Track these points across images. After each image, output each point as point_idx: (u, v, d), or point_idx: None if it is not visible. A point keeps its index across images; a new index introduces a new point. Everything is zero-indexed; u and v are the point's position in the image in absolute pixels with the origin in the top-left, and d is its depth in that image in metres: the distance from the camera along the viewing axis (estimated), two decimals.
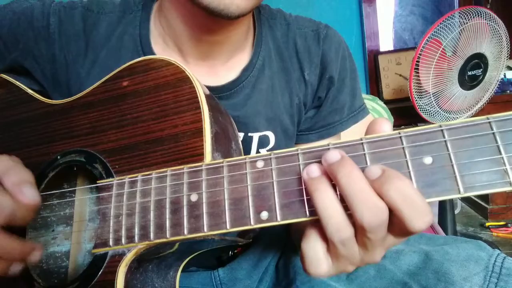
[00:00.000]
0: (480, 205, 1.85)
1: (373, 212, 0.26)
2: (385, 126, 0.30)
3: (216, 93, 0.54)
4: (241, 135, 0.56)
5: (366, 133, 0.31)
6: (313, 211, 0.29)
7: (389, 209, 0.27)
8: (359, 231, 0.28)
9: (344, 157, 0.28)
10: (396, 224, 0.27)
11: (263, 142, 0.59)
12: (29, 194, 0.35)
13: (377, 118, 0.31)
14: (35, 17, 0.53)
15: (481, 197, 1.84)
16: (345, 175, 0.27)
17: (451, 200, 1.48)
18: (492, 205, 1.76)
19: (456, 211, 1.82)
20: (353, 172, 0.27)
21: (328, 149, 0.30)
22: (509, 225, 1.65)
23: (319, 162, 0.30)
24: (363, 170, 0.28)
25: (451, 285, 0.43)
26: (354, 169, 0.27)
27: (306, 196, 0.30)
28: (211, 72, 0.56)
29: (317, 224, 0.30)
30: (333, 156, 0.28)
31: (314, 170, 0.29)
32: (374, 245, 0.29)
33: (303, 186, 0.30)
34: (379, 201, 0.26)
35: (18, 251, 0.35)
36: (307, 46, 0.59)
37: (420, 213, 0.26)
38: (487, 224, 1.70)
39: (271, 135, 0.59)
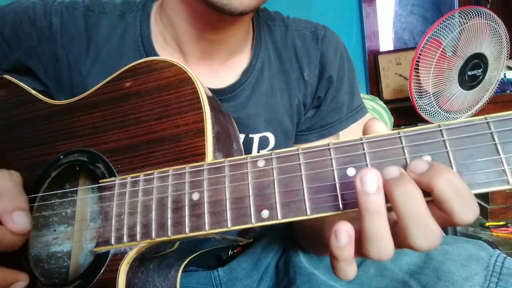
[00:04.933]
0: (480, 205, 1.85)
1: (427, 237, 0.25)
2: (379, 126, 0.30)
3: (216, 95, 0.54)
4: (242, 136, 0.57)
5: (363, 133, 0.31)
6: (313, 210, 0.30)
7: (437, 202, 0.26)
8: (404, 246, 0.27)
9: (403, 174, 0.26)
10: (442, 218, 0.26)
11: (263, 143, 0.59)
12: (20, 222, 0.34)
13: (372, 118, 0.31)
14: (38, 16, 0.53)
15: (481, 197, 1.84)
16: (403, 193, 0.25)
17: None
18: (492, 205, 1.76)
19: None
20: (412, 191, 0.25)
21: (328, 148, 0.31)
22: (509, 225, 1.65)
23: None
24: (405, 166, 0.26)
25: (452, 285, 0.43)
26: (411, 185, 0.25)
27: (306, 195, 0.30)
28: (211, 72, 0.56)
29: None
30: (392, 172, 0.26)
31: (370, 182, 0.25)
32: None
33: (303, 185, 0.30)
34: (435, 225, 0.25)
35: (1, 280, 0.35)
36: (306, 47, 0.60)
37: (469, 206, 0.25)
38: (487, 224, 1.70)
39: (271, 136, 0.59)
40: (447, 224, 0.27)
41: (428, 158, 0.28)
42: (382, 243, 0.26)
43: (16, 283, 0.36)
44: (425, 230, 0.25)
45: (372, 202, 0.25)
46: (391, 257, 0.27)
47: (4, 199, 0.35)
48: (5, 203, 0.35)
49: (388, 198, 0.26)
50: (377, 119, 0.31)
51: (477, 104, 1.49)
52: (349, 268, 0.28)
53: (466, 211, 0.25)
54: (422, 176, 0.26)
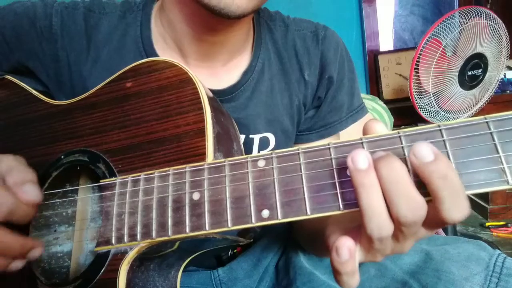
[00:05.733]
0: (480, 205, 1.85)
1: (411, 207, 0.26)
2: (379, 127, 0.31)
3: (217, 96, 0.54)
4: (242, 137, 0.57)
5: (363, 134, 0.32)
6: (313, 210, 0.30)
7: (429, 197, 0.26)
8: (395, 223, 0.28)
9: (389, 154, 0.27)
10: (432, 215, 0.27)
11: (264, 144, 0.59)
12: (30, 192, 0.36)
13: (372, 119, 0.32)
14: (38, 17, 0.53)
15: (481, 197, 1.84)
16: (385, 166, 0.26)
17: None
18: (492, 205, 1.76)
19: None
20: (395, 164, 0.26)
21: (328, 148, 0.31)
22: (509, 225, 1.65)
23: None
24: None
25: (452, 285, 0.43)
26: (395, 160, 0.27)
27: (306, 195, 0.30)
28: (211, 74, 0.56)
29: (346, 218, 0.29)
30: (380, 153, 0.28)
31: (362, 160, 0.27)
32: (406, 238, 0.29)
33: (304, 185, 0.31)
34: (418, 196, 0.26)
35: (19, 247, 0.36)
36: (306, 47, 0.60)
37: (459, 203, 0.26)
38: (487, 224, 1.70)
39: (271, 137, 0.59)
40: (439, 223, 0.27)
41: None
42: (380, 217, 0.27)
43: (34, 250, 0.37)
44: (407, 200, 0.26)
45: (365, 177, 0.27)
46: (391, 232, 0.28)
47: (13, 173, 0.36)
48: (16, 176, 0.36)
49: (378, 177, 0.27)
50: (377, 120, 0.31)
51: (477, 104, 1.49)
52: (352, 279, 0.29)
53: (455, 209, 0.26)
54: (424, 166, 0.26)
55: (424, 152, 0.26)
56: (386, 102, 1.73)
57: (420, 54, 1.34)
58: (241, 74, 0.57)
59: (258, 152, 0.59)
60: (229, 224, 0.32)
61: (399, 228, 0.27)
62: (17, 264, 0.36)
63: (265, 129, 0.59)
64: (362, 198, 0.27)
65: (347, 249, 0.28)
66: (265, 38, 0.59)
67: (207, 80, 0.54)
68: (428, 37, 1.33)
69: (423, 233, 0.29)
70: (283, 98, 0.60)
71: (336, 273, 0.29)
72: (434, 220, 0.27)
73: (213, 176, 0.34)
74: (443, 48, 1.34)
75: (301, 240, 0.57)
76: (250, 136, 0.58)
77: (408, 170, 0.27)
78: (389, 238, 0.28)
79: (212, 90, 0.53)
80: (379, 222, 0.27)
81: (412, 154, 0.26)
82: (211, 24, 0.50)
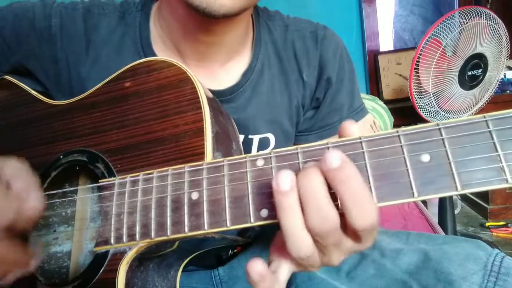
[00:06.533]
0: (480, 205, 1.85)
1: (320, 218, 0.27)
2: (352, 128, 0.31)
3: (217, 97, 0.54)
4: (241, 137, 0.57)
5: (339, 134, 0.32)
6: None
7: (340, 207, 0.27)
8: (312, 237, 0.28)
9: (312, 166, 0.28)
10: (346, 224, 0.28)
11: (263, 144, 0.59)
12: (36, 200, 0.35)
13: (348, 121, 0.32)
14: (37, 18, 0.53)
15: (481, 197, 1.83)
16: (303, 180, 0.27)
17: (451, 200, 1.48)
18: (492, 205, 1.76)
19: (456, 211, 1.82)
20: (311, 176, 0.27)
21: (328, 148, 0.31)
22: (509, 225, 1.65)
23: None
24: (321, 156, 0.27)
25: (450, 285, 0.43)
26: (313, 172, 0.27)
27: None
28: (210, 74, 0.56)
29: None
30: (308, 164, 0.28)
31: (284, 182, 0.27)
32: (329, 250, 0.29)
33: None
34: (328, 206, 0.27)
35: (18, 259, 0.36)
36: (305, 48, 0.60)
37: (363, 211, 0.26)
38: (487, 224, 1.70)
39: (271, 137, 0.59)
40: (353, 232, 0.28)
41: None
42: (298, 237, 0.28)
43: (30, 263, 0.37)
44: (318, 210, 0.27)
45: (285, 199, 0.27)
46: (310, 253, 0.28)
47: (18, 179, 0.36)
48: (21, 182, 0.36)
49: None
50: (352, 122, 0.31)
51: (477, 104, 1.49)
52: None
53: (361, 215, 0.26)
54: (329, 172, 0.27)
55: (332, 158, 0.26)
56: (386, 102, 1.73)
57: (420, 54, 1.34)
58: (240, 74, 0.57)
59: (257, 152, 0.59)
60: (228, 224, 0.32)
61: (315, 239, 0.28)
62: (13, 275, 0.36)
63: (265, 129, 0.59)
64: (281, 219, 0.28)
65: (256, 274, 0.28)
66: (265, 38, 0.59)
67: (207, 80, 0.54)
68: (428, 37, 1.33)
69: (349, 245, 0.30)
70: (283, 98, 0.60)
71: None
72: (349, 229, 0.28)
73: (212, 176, 0.34)
74: (443, 48, 1.34)
75: None
76: (250, 136, 0.58)
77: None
78: (312, 255, 0.29)
79: (211, 91, 0.53)
80: (297, 242, 0.28)
81: (322, 160, 0.27)
82: (204, 24, 0.50)
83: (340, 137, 0.31)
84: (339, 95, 0.62)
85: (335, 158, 0.26)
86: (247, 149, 0.58)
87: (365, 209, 0.26)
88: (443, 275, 0.44)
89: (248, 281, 0.29)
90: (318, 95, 0.61)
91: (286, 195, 0.27)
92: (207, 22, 0.49)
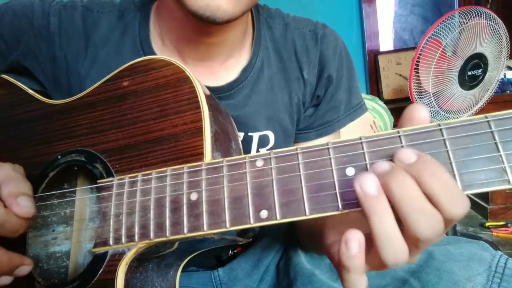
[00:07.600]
0: (480, 205, 1.85)
1: (430, 223, 0.25)
2: (422, 112, 0.29)
3: (215, 94, 0.54)
4: (241, 135, 0.57)
5: (402, 122, 0.30)
6: (312, 210, 0.30)
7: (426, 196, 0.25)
8: (411, 241, 0.26)
9: (393, 166, 0.26)
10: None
11: (263, 142, 0.59)
12: (24, 206, 0.35)
13: (413, 104, 0.30)
14: (36, 16, 0.53)
15: (481, 197, 1.83)
16: (397, 186, 0.25)
17: None
18: (492, 205, 1.76)
19: None
20: (405, 181, 0.25)
21: (327, 148, 0.30)
22: (509, 225, 1.65)
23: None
24: (393, 154, 0.26)
25: (454, 285, 0.43)
26: (405, 177, 0.25)
27: (305, 195, 0.30)
28: (210, 72, 0.56)
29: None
30: (383, 166, 0.26)
31: (371, 186, 0.25)
32: (420, 251, 0.28)
33: (302, 185, 0.30)
34: (433, 208, 0.25)
35: (5, 263, 0.35)
36: (305, 46, 0.60)
37: (457, 200, 0.25)
38: (487, 224, 1.70)
39: (271, 135, 0.59)
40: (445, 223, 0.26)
41: None
42: (395, 242, 0.26)
43: (22, 267, 0.37)
44: (425, 214, 0.25)
45: (376, 203, 0.25)
46: (407, 259, 0.26)
47: (9, 184, 0.36)
48: (11, 187, 0.35)
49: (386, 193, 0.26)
50: (421, 106, 0.29)
51: (477, 104, 1.49)
52: (360, 280, 0.28)
53: (454, 205, 0.25)
54: (409, 167, 0.26)
55: (409, 154, 0.25)
56: (386, 102, 1.73)
57: (420, 54, 1.34)
58: (240, 71, 0.57)
59: (257, 150, 0.59)
60: (227, 225, 0.32)
61: (416, 245, 0.26)
62: (3, 281, 0.35)
63: (264, 127, 0.59)
64: (375, 225, 0.26)
65: (357, 241, 0.26)
66: (265, 36, 0.59)
67: (206, 78, 0.54)
68: (428, 37, 1.33)
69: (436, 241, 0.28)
70: (283, 96, 0.59)
71: (344, 271, 0.28)
72: (446, 222, 0.26)
73: (211, 177, 0.34)
74: (443, 48, 1.34)
75: (301, 238, 0.57)
76: (249, 134, 0.58)
77: None
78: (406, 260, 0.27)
79: (210, 88, 0.52)
80: (395, 248, 0.26)
81: (399, 158, 0.26)
82: (205, 28, 0.50)
83: (409, 121, 0.29)
84: (338, 92, 0.62)
85: (412, 153, 0.25)
86: (247, 147, 0.58)
87: (458, 194, 0.25)
88: (447, 274, 0.44)
89: (343, 257, 0.27)
90: (319, 93, 0.61)
91: (377, 199, 0.25)
92: (206, 26, 0.49)
